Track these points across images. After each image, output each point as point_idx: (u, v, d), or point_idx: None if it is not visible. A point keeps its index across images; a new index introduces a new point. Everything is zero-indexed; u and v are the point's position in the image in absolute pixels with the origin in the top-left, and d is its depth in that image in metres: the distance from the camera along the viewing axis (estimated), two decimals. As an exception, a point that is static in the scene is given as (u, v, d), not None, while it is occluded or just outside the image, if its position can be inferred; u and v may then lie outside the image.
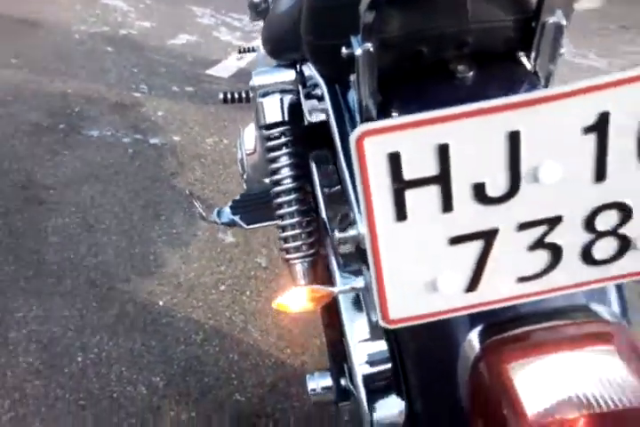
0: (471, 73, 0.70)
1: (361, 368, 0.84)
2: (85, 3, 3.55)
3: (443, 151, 0.53)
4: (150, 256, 1.97)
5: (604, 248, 0.60)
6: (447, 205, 0.56)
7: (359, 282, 0.69)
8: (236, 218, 1.48)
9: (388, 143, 0.52)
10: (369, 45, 0.65)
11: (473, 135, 0.53)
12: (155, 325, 1.75)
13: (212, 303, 1.84)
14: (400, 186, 0.55)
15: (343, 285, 0.72)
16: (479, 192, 0.56)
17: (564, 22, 0.66)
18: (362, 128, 0.52)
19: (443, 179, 0.55)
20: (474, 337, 0.65)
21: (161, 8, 3.61)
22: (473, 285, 0.60)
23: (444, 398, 0.70)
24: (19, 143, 2.38)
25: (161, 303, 1.82)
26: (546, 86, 0.70)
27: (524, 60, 0.71)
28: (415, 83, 0.71)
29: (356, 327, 0.87)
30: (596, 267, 0.61)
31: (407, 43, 0.69)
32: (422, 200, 0.56)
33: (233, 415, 1.55)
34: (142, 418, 1.51)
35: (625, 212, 0.58)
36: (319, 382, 1.00)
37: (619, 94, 0.52)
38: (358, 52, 0.66)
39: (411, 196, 0.55)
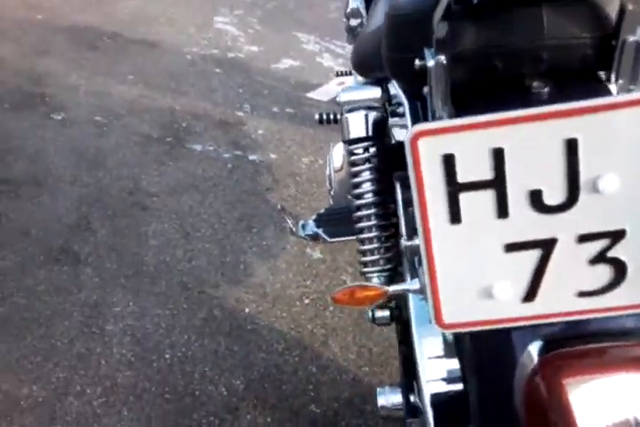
0: (547, 89, 0.69)
1: (429, 386, 0.83)
2: (199, 27, 3.78)
3: (498, 155, 0.53)
4: (240, 265, 2.05)
5: None
6: (503, 211, 0.56)
7: (415, 284, 0.70)
8: (320, 231, 1.52)
9: (442, 144, 0.53)
10: (442, 58, 0.66)
11: (529, 141, 0.53)
12: (239, 330, 1.82)
13: (296, 315, 1.89)
14: (454, 188, 0.55)
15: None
16: (536, 200, 0.55)
17: None
18: (417, 128, 0.52)
19: (498, 183, 0.54)
20: (533, 350, 0.63)
21: (269, 34, 3.79)
22: (530, 295, 0.59)
23: (503, 416, 0.69)
24: (129, 153, 2.56)
25: (247, 310, 1.89)
26: None
27: (603, 79, 0.70)
28: (489, 97, 0.71)
29: (426, 343, 0.87)
30: None
31: (481, 56, 0.69)
32: (477, 204, 0.55)
33: (306, 426, 1.59)
34: (221, 418, 1.58)
35: None
36: (389, 397, 1.00)
37: None
38: (431, 63, 0.66)
39: (465, 199, 0.55)
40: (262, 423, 1.58)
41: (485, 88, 0.73)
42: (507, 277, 0.59)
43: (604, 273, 0.58)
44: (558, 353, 0.62)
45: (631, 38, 0.64)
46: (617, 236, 0.56)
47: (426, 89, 0.71)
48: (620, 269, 0.58)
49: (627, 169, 0.53)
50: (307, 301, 1.95)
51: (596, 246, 0.57)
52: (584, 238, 0.57)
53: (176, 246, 2.12)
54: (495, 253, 0.58)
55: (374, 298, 0.69)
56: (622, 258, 0.57)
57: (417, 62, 0.70)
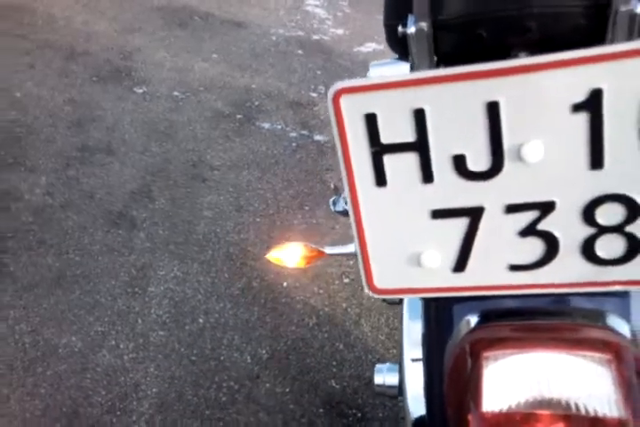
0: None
1: (410, 365, 0.84)
2: (289, 9, 3.85)
3: (419, 116, 0.52)
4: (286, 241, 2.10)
5: (608, 246, 0.55)
6: (427, 176, 0.54)
7: (350, 248, 0.70)
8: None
9: (364, 103, 0.52)
10: (423, 25, 0.64)
11: (449, 102, 0.51)
12: (274, 302, 1.87)
13: (332, 293, 1.92)
14: (378, 149, 0.54)
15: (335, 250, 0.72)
16: (460, 165, 0.54)
17: (639, 11, 0.60)
18: (338, 85, 0.52)
19: (420, 146, 0.53)
20: (464, 323, 0.62)
21: (357, 17, 3.80)
22: (460, 265, 0.58)
23: (433, 391, 0.70)
24: (199, 127, 2.67)
25: (285, 285, 1.93)
26: None
27: None
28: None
29: (412, 323, 0.88)
30: (601, 267, 0.56)
31: (466, 25, 0.66)
32: (401, 167, 0.54)
33: (324, 400, 1.61)
34: (241, 384, 1.63)
35: (631, 207, 0.53)
36: (386, 376, 1.01)
37: (614, 69, 0.47)
38: (411, 30, 0.65)
39: (390, 161, 0.54)
40: (280, 393, 1.62)
41: (470, 58, 0.70)
42: (435, 245, 0.58)
43: (535, 247, 0.57)
44: (485, 327, 0.61)
45: (624, 8, 0.61)
46: (546, 208, 0.54)
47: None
48: (551, 243, 0.56)
49: (552, 136, 0.51)
50: (346, 280, 1.97)
51: (524, 218, 0.55)
52: (512, 209, 0.55)
53: (228, 218, 2.19)
54: (422, 220, 0.57)
55: (311, 258, 0.69)
56: (553, 232, 0.56)
57: (399, 29, 0.67)
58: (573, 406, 0.52)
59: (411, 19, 0.65)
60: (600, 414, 0.51)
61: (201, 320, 1.80)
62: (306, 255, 0.65)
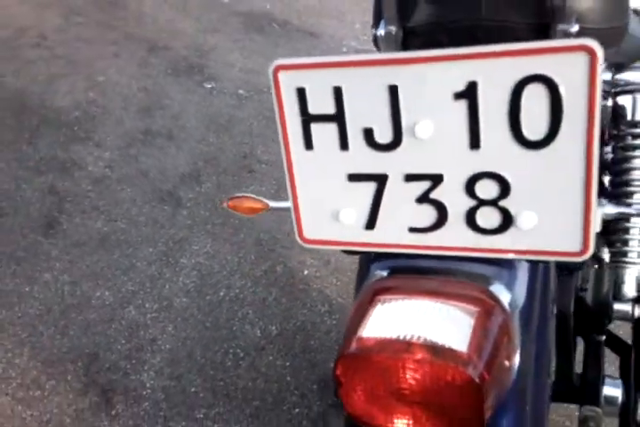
0: None
1: None
2: (365, 23, 4.06)
3: (337, 93, 0.61)
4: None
5: (487, 217, 0.62)
6: (344, 144, 0.63)
7: (288, 203, 0.74)
8: None
9: (296, 78, 0.61)
10: (391, 28, 0.74)
11: (360, 83, 0.59)
12: (292, 287, 2.03)
13: (349, 286, 2.06)
14: (306, 118, 0.62)
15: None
16: (369, 137, 0.62)
17: (573, 30, 0.69)
18: (276, 62, 0.62)
19: (338, 118, 0.62)
20: (375, 276, 0.70)
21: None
22: (370, 224, 0.66)
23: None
24: (256, 124, 2.88)
25: (305, 273, 2.10)
26: None
27: None
28: None
29: None
30: (482, 235, 0.63)
31: (429, 31, 0.75)
32: (324, 135, 0.63)
33: (320, 377, 1.76)
34: (246, 352, 1.80)
35: (503, 184, 0.60)
36: None
37: (486, 66, 0.55)
38: (381, 33, 0.75)
39: (315, 129, 0.63)
40: (280, 365, 1.78)
41: None
42: (351, 204, 0.66)
43: (429, 213, 0.64)
44: (386, 279, 0.70)
45: (566, 29, 0.69)
46: (436, 179, 0.62)
47: None
48: (441, 211, 0.64)
49: (439, 118, 0.59)
50: (363, 275, 2.11)
51: (420, 187, 0.63)
52: (410, 178, 0.63)
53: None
54: (340, 181, 0.65)
55: (256, 210, 0.76)
56: (443, 201, 0.63)
57: (372, 31, 0.79)
58: (427, 341, 0.59)
59: (382, 23, 0.77)
60: (447, 345, 0.58)
61: (222, 293, 1.98)
62: (252, 207, 0.76)
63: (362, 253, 0.72)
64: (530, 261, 0.69)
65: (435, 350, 0.58)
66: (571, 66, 0.53)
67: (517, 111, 0.56)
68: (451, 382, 0.58)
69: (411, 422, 0.62)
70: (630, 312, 1.10)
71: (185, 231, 2.22)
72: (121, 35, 3.55)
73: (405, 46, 0.78)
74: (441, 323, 0.61)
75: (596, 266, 1.01)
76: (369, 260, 0.73)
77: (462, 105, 0.58)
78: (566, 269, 0.96)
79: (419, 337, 0.59)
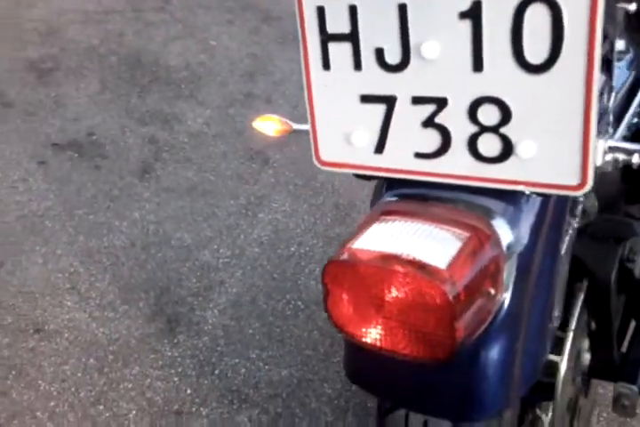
0: None
1: None
2: None
3: (352, 11, 0.61)
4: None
5: (488, 145, 0.62)
6: (357, 64, 0.63)
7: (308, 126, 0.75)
8: None
9: None
10: None
11: (373, 1, 0.60)
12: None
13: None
14: (324, 37, 0.63)
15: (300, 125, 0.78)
16: (380, 57, 0.62)
17: (632, 8, 0.69)
18: None
19: (353, 37, 0.62)
20: (384, 200, 0.72)
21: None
22: (380, 147, 0.67)
23: None
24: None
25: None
26: (606, 33, 0.69)
27: None
28: None
29: None
30: (483, 164, 0.63)
31: None
32: (340, 54, 0.63)
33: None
34: (307, 305, 1.86)
35: (504, 110, 0.59)
36: None
37: None
38: None
39: (333, 48, 0.63)
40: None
41: None
42: (362, 126, 0.67)
43: (434, 138, 0.64)
44: (393, 202, 0.71)
45: (625, 7, 0.70)
46: (440, 103, 0.62)
47: None
48: (445, 135, 0.63)
49: (445, 38, 0.58)
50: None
51: (426, 110, 0.63)
52: (416, 101, 0.63)
53: (348, 175, 2.43)
54: (354, 102, 0.66)
55: (281, 131, 0.79)
56: (447, 126, 0.63)
57: None
58: (410, 256, 0.60)
59: None
60: (428, 262, 0.59)
61: (293, 249, 2.06)
62: (277, 128, 0.78)
63: (372, 178, 0.72)
64: (542, 201, 0.69)
65: (415, 264, 0.60)
66: None
67: (520, 33, 0.56)
68: (425, 295, 0.59)
69: (382, 333, 0.64)
70: None
71: (267, 189, 2.32)
72: (238, 3, 3.69)
73: None
74: (429, 243, 0.62)
75: None
76: (382, 186, 0.74)
77: (467, 25, 0.57)
78: (612, 237, 0.95)
79: (402, 252, 0.61)
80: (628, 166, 1.08)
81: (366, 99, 0.65)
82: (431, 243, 0.62)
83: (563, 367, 0.91)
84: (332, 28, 0.63)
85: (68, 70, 3.07)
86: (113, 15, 3.73)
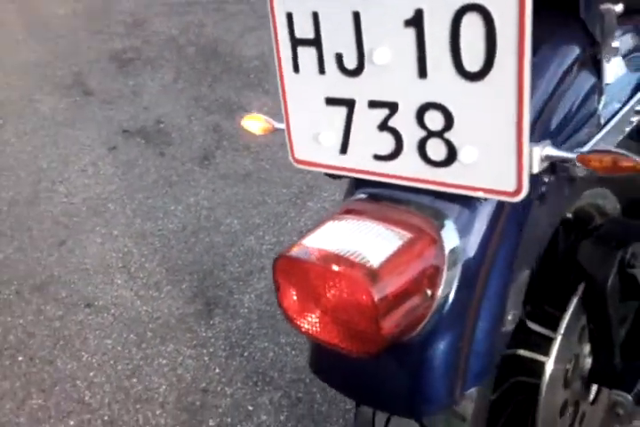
0: None
1: None
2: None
3: (315, 18, 0.64)
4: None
5: (435, 149, 0.63)
6: (321, 68, 0.66)
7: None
8: None
9: (286, 3, 0.65)
10: None
11: (332, 8, 0.62)
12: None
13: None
14: (294, 42, 0.66)
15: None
16: (340, 61, 0.64)
17: (618, 10, 0.68)
18: None
19: (317, 42, 0.65)
20: (348, 200, 0.74)
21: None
22: (344, 148, 0.69)
23: None
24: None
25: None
26: (592, 34, 0.72)
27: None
28: None
29: None
30: (431, 167, 0.65)
31: None
32: (307, 58, 0.66)
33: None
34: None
35: (447, 116, 0.61)
36: None
37: None
38: None
39: (301, 52, 0.66)
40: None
41: None
42: (328, 127, 0.69)
43: (389, 141, 0.66)
44: (353, 202, 0.74)
45: (609, 8, 0.70)
46: (393, 107, 0.64)
47: None
48: (398, 139, 0.65)
49: (394, 44, 0.60)
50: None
51: (381, 114, 0.65)
52: (372, 104, 0.65)
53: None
54: (320, 104, 0.68)
55: (265, 129, 0.82)
56: (399, 129, 0.65)
57: None
58: (347, 253, 0.62)
59: None
60: (361, 260, 0.61)
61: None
62: (262, 127, 0.81)
63: (340, 177, 0.75)
64: (497, 206, 0.69)
65: (348, 262, 0.62)
66: None
67: (457, 41, 0.57)
68: (353, 293, 0.61)
69: (320, 326, 0.66)
70: None
71: (320, 180, 2.35)
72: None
73: None
74: (370, 242, 0.64)
75: None
76: (352, 185, 0.77)
77: (411, 32, 0.59)
78: (614, 240, 0.92)
79: (340, 251, 0.63)
80: None
81: (330, 101, 0.68)
82: (372, 242, 0.64)
83: (548, 369, 0.90)
84: (299, 34, 0.66)
85: (147, 61, 3.23)
86: (195, 7, 3.88)
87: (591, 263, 0.90)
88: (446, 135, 0.62)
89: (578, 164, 0.62)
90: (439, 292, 0.67)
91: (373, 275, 0.61)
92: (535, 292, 1.00)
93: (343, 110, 0.67)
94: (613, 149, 0.61)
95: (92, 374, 1.64)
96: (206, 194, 2.28)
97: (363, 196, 0.74)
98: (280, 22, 0.67)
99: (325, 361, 0.80)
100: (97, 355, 1.69)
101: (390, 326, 0.62)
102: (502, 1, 0.54)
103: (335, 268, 0.62)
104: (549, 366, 0.90)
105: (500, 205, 0.69)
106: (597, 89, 0.76)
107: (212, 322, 1.78)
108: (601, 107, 0.77)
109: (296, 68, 0.68)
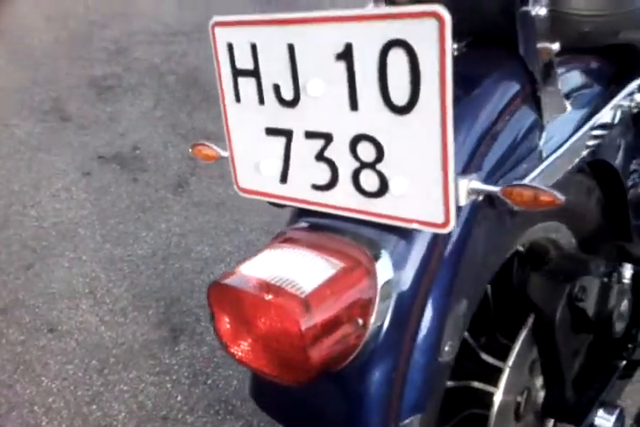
0: (457, 46, 0.79)
1: None
2: None
3: (253, 49, 0.65)
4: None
5: (368, 180, 0.64)
6: (261, 98, 0.67)
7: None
8: None
9: (226, 34, 0.66)
10: (380, 3, 0.82)
11: (268, 40, 0.64)
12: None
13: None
14: (234, 72, 0.67)
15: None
16: (277, 92, 0.65)
17: (541, 13, 0.70)
18: (214, 19, 0.67)
19: (256, 73, 0.66)
20: (297, 222, 0.75)
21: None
22: (284, 178, 0.70)
23: None
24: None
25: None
26: (531, 71, 0.74)
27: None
28: None
29: None
30: (366, 198, 0.65)
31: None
32: (248, 89, 0.67)
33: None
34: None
35: (378, 148, 0.62)
36: None
37: (358, 29, 0.58)
38: (368, 8, 0.79)
39: (242, 83, 0.67)
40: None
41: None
42: (269, 156, 0.70)
43: (325, 171, 0.67)
44: (291, 230, 0.74)
45: (523, 10, 0.71)
46: (327, 138, 0.65)
47: None
48: (334, 169, 0.66)
49: (326, 77, 0.62)
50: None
51: (317, 144, 0.66)
52: (309, 135, 0.66)
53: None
54: (261, 134, 0.70)
55: (210, 157, 0.81)
56: (334, 160, 0.66)
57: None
58: (278, 282, 0.63)
59: None
60: (291, 289, 0.61)
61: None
62: (208, 154, 0.81)
63: (283, 206, 0.76)
64: (432, 237, 0.69)
65: (278, 291, 0.62)
66: (423, 32, 0.55)
67: (385, 75, 0.58)
68: (282, 322, 0.62)
69: (252, 353, 0.67)
70: None
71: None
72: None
73: None
74: (301, 271, 0.64)
75: (607, 278, 0.96)
76: (294, 214, 0.78)
77: (342, 66, 0.60)
78: (563, 275, 0.93)
79: (272, 279, 0.63)
80: (606, 202, 1.05)
81: (270, 131, 0.69)
82: (304, 271, 0.65)
83: (497, 400, 0.90)
84: (239, 64, 0.67)
85: (128, 87, 3.27)
86: (180, 37, 3.94)
87: (539, 296, 0.92)
88: (378, 167, 0.63)
89: (502, 197, 0.63)
90: (371, 322, 0.67)
91: (302, 304, 0.61)
92: (489, 323, 1.01)
93: (282, 140, 0.68)
94: (534, 185, 0.62)
95: (50, 399, 1.61)
96: (178, 221, 2.29)
97: (303, 224, 0.74)
98: (222, 52, 0.68)
99: (263, 389, 0.80)
100: (57, 380, 1.66)
101: (319, 355, 0.63)
102: (424, 37, 0.55)
103: (266, 296, 0.62)
104: (498, 396, 0.90)
105: (437, 236, 0.69)
106: (538, 125, 0.78)
107: (176, 349, 1.76)
108: (542, 142, 0.78)
109: (237, 98, 0.69)
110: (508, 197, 0.62)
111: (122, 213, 2.34)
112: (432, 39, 0.54)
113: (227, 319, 0.68)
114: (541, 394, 1.02)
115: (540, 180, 0.72)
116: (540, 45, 0.72)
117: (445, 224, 0.61)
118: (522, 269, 1.00)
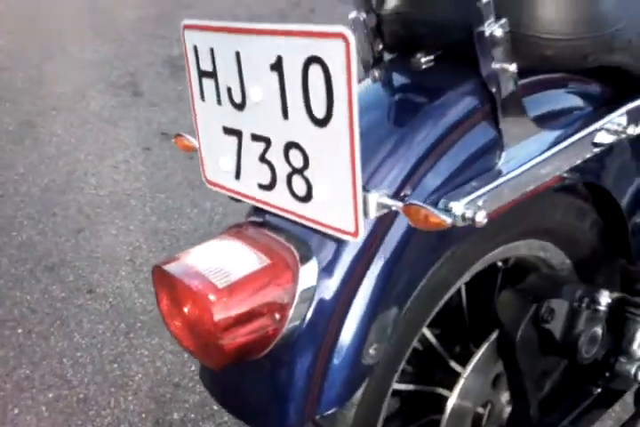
0: (425, 59, 0.81)
1: None
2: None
3: (212, 52, 0.70)
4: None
5: (298, 185, 0.68)
6: (218, 99, 0.71)
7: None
8: None
9: (192, 37, 0.71)
10: (362, 14, 0.84)
11: (220, 46, 0.68)
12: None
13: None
14: (199, 72, 0.72)
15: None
16: (230, 95, 0.70)
17: (496, 34, 0.71)
18: (184, 22, 0.72)
19: (214, 75, 0.70)
20: (248, 215, 0.80)
21: None
22: (237, 174, 0.74)
23: None
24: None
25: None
26: (489, 88, 0.75)
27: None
28: (395, 54, 0.89)
29: None
30: (297, 201, 0.69)
31: (394, 23, 0.83)
32: (209, 89, 0.72)
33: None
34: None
35: (304, 156, 0.65)
36: None
37: (286, 43, 0.61)
38: (350, 16, 0.85)
39: (204, 83, 0.72)
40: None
41: (400, 48, 0.87)
42: (226, 153, 0.74)
43: (266, 172, 0.70)
44: (241, 224, 0.78)
45: (480, 29, 0.71)
46: (267, 142, 0.68)
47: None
48: (273, 172, 0.70)
49: (264, 85, 0.66)
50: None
51: (260, 147, 0.70)
52: (254, 137, 0.70)
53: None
54: (219, 132, 0.74)
55: (189, 148, 0.85)
56: (273, 163, 0.69)
57: (349, 16, 0.85)
58: (203, 271, 0.67)
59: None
60: (212, 279, 0.66)
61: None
62: (186, 145, 0.86)
63: (241, 201, 0.80)
64: (365, 242, 0.72)
65: (202, 280, 0.67)
66: (334, 51, 0.58)
67: (307, 89, 0.62)
68: (197, 310, 0.67)
69: (181, 334, 0.73)
70: (633, 374, 1.03)
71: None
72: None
73: (379, 31, 0.88)
74: (230, 263, 0.69)
75: (577, 303, 0.95)
76: (251, 209, 0.82)
77: (275, 77, 0.64)
78: (532, 295, 0.94)
79: (205, 268, 0.68)
80: (605, 225, 1.05)
81: (226, 130, 0.74)
82: (233, 263, 0.69)
83: (450, 403, 0.93)
84: (202, 66, 0.72)
85: (200, 68, 3.41)
86: (259, 20, 4.05)
87: (504, 312, 0.93)
88: (305, 173, 0.67)
89: (402, 214, 0.65)
90: (289, 316, 0.70)
91: (219, 294, 0.66)
92: (463, 332, 1.04)
93: (235, 139, 0.73)
94: (425, 205, 0.64)
95: (78, 354, 1.77)
96: (223, 201, 2.41)
97: (253, 219, 0.78)
98: (190, 53, 0.73)
99: (205, 372, 0.85)
100: (87, 337, 1.82)
101: (232, 343, 0.67)
102: (334, 54, 0.58)
103: (190, 284, 0.67)
104: (452, 400, 0.93)
105: (368, 242, 0.71)
106: (498, 145, 0.78)
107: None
108: (500, 162, 0.78)
109: (202, 97, 0.75)
110: (407, 215, 0.64)
111: (173, 188, 2.48)
112: (340, 58, 0.58)
113: (165, 299, 0.74)
114: (508, 409, 1.04)
115: (488, 199, 0.72)
116: (497, 66, 0.73)
117: (356, 233, 0.65)
118: (493, 285, 1.02)
